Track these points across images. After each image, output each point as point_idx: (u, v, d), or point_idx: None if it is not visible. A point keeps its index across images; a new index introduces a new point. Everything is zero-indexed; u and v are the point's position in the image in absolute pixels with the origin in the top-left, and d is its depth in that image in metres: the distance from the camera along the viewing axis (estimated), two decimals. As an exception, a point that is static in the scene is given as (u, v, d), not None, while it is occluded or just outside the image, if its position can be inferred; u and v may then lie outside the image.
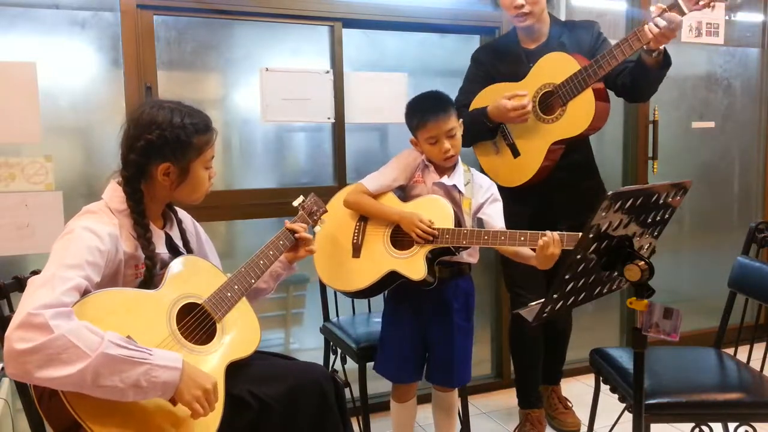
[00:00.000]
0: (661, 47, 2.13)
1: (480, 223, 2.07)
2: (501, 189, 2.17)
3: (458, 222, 1.96)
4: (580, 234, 1.74)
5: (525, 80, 2.32)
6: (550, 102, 2.28)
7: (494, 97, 2.33)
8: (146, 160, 1.48)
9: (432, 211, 1.97)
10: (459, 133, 2.03)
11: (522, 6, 2.27)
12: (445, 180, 2.04)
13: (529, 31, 2.39)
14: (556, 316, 2.59)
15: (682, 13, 2.06)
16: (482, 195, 2.07)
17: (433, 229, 1.92)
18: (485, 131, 2.35)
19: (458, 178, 2.04)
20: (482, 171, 2.41)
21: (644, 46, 2.12)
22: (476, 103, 2.42)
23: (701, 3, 2.05)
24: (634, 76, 2.25)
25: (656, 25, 2.04)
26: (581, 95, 2.20)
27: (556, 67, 2.25)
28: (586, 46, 2.35)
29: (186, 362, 1.30)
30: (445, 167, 2.06)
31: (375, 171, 2.11)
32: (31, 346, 1.15)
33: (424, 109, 2.01)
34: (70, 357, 1.16)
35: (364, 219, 2.07)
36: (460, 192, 2.03)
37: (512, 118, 2.24)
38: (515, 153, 2.35)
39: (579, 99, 2.21)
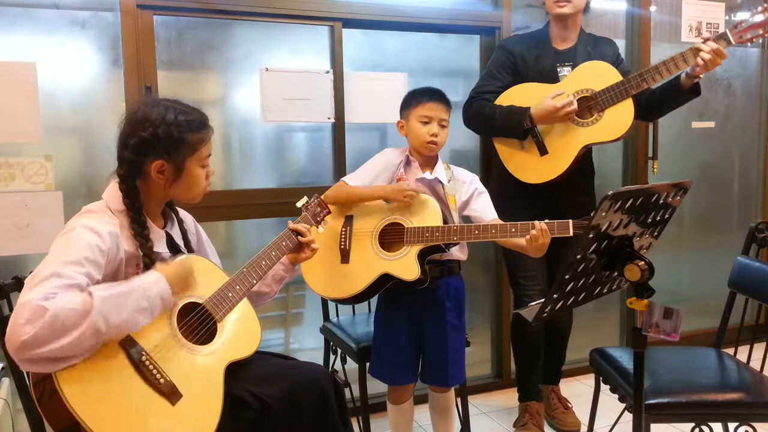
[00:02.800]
0: (701, 76, 2.23)
1: (469, 221, 2.07)
2: (510, 182, 2.37)
3: (445, 218, 1.97)
4: (570, 221, 1.82)
5: (561, 83, 2.38)
6: (586, 107, 2.33)
7: (522, 98, 2.38)
8: (140, 158, 1.47)
9: (420, 209, 1.98)
10: (447, 131, 2.06)
11: None
12: (427, 175, 2.05)
13: (563, 27, 2.44)
14: (558, 315, 2.62)
15: (729, 44, 2.18)
16: (466, 190, 2.08)
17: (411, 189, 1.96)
18: (519, 131, 2.37)
19: (440, 173, 2.06)
20: (501, 164, 2.48)
21: (688, 70, 2.22)
22: (504, 99, 2.44)
23: (745, 38, 2.18)
24: (662, 95, 2.34)
25: (709, 49, 2.14)
26: (622, 104, 2.27)
27: (596, 75, 2.31)
28: (608, 61, 2.40)
29: (163, 269, 1.41)
30: (426, 162, 2.08)
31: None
32: (34, 333, 1.16)
33: (429, 92, 2.06)
34: (74, 321, 1.20)
35: (349, 223, 2.07)
36: (442, 185, 2.04)
37: (561, 116, 2.28)
38: (542, 151, 2.37)
39: (619, 107, 2.27)
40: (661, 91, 2.35)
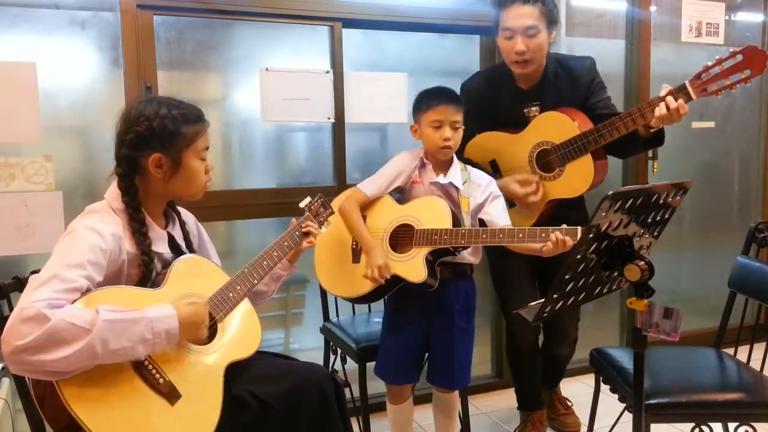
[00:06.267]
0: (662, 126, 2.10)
1: (482, 224, 2.07)
2: None
3: (456, 221, 1.96)
4: (579, 228, 1.78)
5: (521, 134, 2.29)
6: (548, 160, 2.25)
7: (489, 146, 2.33)
8: (136, 153, 1.48)
9: (429, 211, 1.97)
10: (461, 130, 2.04)
11: (524, 53, 2.19)
12: (441, 179, 2.04)
13: (526, 73, 2.30)
14: (559, 325, 2.58)
15: (689, 98, 2.03)
16: (481, 193, 2.07)
17: (384, 277, 1.92)
18: None
19: (455, 176, 2.04)
20: None
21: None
22: (470, 151, 2.37)
23: (709, 90, 2.02)
24: (623, 138, 2.17)
25: (667, 106, 2.00)
26: (580, 159, 2.18)
27: (553, 127, 2.22)
28: (582, 90, 2.31)
29: (178, 306, 1.37)
30: (441, 164, 2.07)
31: (375, 172, 2.11)
32: (31, 339, 1.16)
33: (438, 94, 2.02)
34: (74, 336, 1.19)
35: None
36: (457, 189, 2.03)
37: (522, 204, 2.24)
38: (511, 203, 2.30)
39: (578, 162, 2.19)
40: (617, 142, 2.16)
